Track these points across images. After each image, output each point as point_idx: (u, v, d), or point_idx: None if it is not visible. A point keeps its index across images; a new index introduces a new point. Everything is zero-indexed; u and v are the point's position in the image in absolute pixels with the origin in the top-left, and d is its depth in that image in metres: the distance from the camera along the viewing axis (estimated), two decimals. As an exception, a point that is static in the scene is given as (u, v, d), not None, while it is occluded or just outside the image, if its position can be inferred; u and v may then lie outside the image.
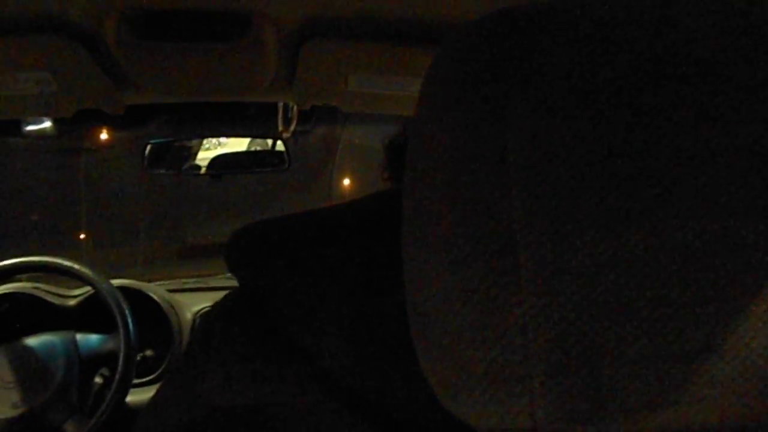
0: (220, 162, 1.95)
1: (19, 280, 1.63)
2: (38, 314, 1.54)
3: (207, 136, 2.00)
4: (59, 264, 1.36)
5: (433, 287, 0.28)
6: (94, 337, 1.37)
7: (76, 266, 1.36)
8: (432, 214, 0.28)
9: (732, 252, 0.25)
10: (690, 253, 0.25)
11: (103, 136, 4.14)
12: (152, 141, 1.63)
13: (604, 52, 0.26)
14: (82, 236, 4.28)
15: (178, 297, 1.77)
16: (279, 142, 1.80)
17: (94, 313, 1.51)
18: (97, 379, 1.38)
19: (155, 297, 1.66)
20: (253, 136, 2.27)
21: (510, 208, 0.26)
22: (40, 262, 1.37)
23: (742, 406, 0.26)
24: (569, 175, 0.25)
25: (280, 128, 1.97)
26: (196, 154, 2.43)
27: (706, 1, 0.27)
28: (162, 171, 1.78)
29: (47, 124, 3.82)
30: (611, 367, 0.25)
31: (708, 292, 0.25)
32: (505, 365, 0.26)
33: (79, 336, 1.36)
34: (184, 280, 2.00)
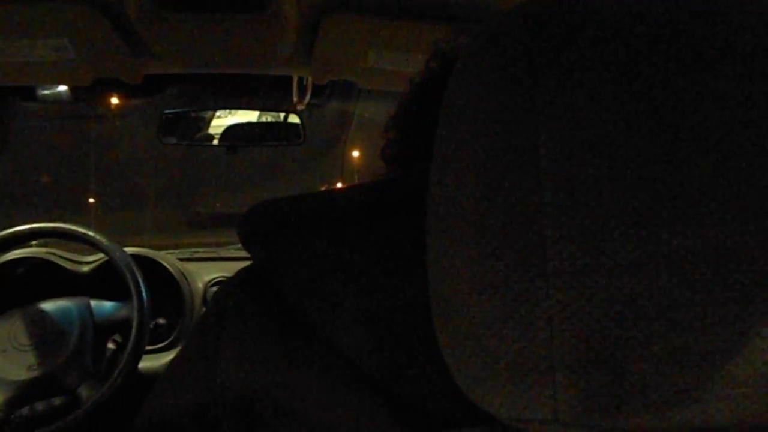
0: (233, 133, 1.94)
1: (34, 245, 1.65)
2: (52, 279, 1.56)
3: (221, 108, 1.99)
4: (74, 231, 1.37)
5: (460, 278, 0.28)
6: (107, 304, 1.39)
7: (91, 233, 1.37)
8: (460, 206, 0.28)
9: (765, 254, 0.25)
10: (721, 254, 0.25)
11: (117, 102, 4.14)
12: (167, 111, 1.63)
13: (644, 46, 0.26)
14: (90, 200, 4.31)
15: (189, 266, 1.79)
16: (292, 115, 1.79)
17: (107, 280, 1.53)
18: (110, 345, 1.40)
19: (167, 266, 1.67)
20: (268, 109, 2.26)
21: (541, 202, 0.26)
22: (55, 228, 1.38)
23: (763, 405, 0.26)
24: (602, 172, 0.25)
25: (295, 100, 1.96)
26: (209, 123, 2.42)
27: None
28: (175, 141, 1.78)
29: (62, 88, 3.82)
30: (635, 363, 0.25)
31: (735, 294, 0.25)
32: (529, 357, 0.26)
33: (93, 302, 1.37)
34: (194, 250, 2.01)
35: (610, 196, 0.25)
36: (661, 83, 0.25)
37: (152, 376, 1.49)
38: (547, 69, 0.26)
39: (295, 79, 1.97)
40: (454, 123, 0.29)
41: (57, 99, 3.92)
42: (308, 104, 2.01)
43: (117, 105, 4.16)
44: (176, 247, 2.04)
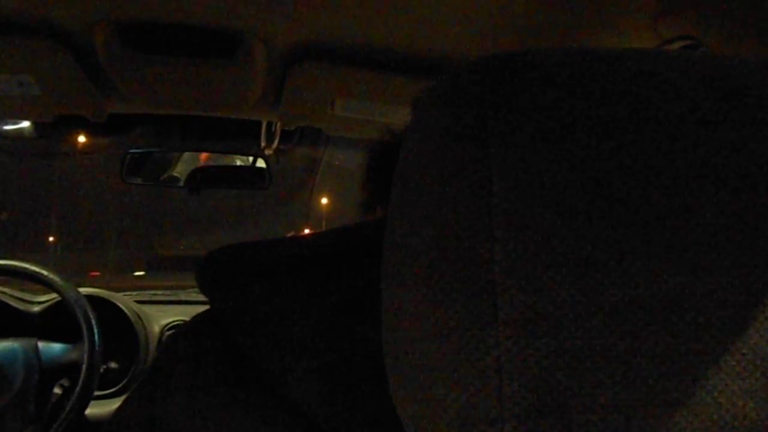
0: (199, 175, 1.93)
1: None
2: (1, 319, 1.50)
3: (188, 150, 1.98)
4: (26, 269, 1.33)
5: (410, 324, 0.28)
6: (56, 346, 1.33)
7: (44, 272, 1.33)
8: (413, 252, 0.28)
9: (707, 306, 0.25)
10: (665, 306, 0.25)
11: (82, 140, 4.08)
12: (131, 150, 1.62)
13: (591, 101, 0.27)
14: (51, 239, 4.21)
15: (147, 309, 1.74)
16: (260, 159, 1.80)
17: (58, 321, 1.47)
18: (57, 390, 1.35)
19: (123, 307, 1.62)
20: (235, 153, 2.26)
21: (491, 249, 0.26)
22: (6, 265, 1.33)
23: None
24: (551, 221, 0.26)
25: (263, 145, 1.97)
26: (175, 165, 2.40)
27: (678, 62, 0.28)
28: (140, 181, 1.76)
29: (26, 124, 3.76)
30: (582, 414, 0.25)
31: (681, 345, 0.25)
32: (478, 408, 0.26)
33: (41, 344, 1.32)
34: (153, 292, 1.96)
35: (558, 245, 0.25)
36: (606, 137, 0.26)
37: (100, 423, 1.43)
38: (498, 120, 0.27)
39: (264, 124, 1.98)
40: (409, 172, 0.30)
41: (20, 135, 3.86)
42: (276, 149, 2.02)
43: (82, 143, 4.11)
44: (136, 288, 1.99)
